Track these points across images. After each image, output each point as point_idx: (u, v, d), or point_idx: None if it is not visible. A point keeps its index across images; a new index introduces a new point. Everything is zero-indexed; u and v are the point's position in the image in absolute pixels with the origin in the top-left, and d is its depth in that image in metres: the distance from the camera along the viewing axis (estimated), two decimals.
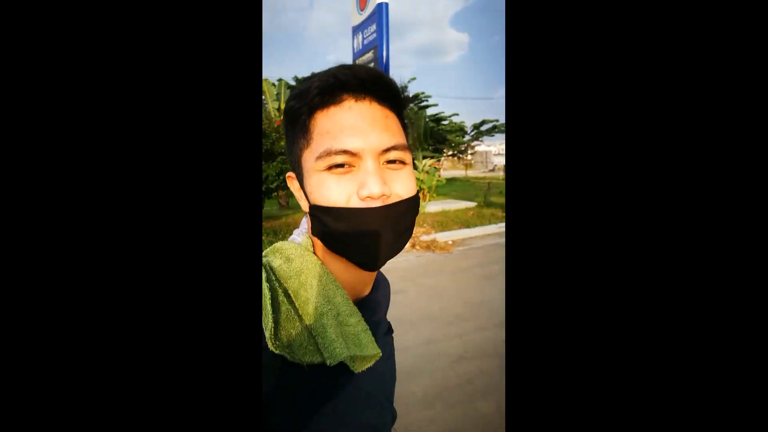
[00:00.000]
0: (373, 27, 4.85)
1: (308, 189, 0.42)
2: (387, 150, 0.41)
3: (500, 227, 7.40)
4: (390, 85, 0.43)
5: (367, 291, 0.50)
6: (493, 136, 23.35)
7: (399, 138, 0.42)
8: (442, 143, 20.53)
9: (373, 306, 0.49)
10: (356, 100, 0.41)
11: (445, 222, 7.46)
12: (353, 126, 0.40)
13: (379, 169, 0.40)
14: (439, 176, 7.66)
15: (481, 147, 27.95)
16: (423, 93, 18.73)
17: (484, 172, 28.87)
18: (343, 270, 0.45)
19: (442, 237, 6.35)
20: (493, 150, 32.99)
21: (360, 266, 0.43)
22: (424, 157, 10.23)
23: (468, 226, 7.15)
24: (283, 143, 6.28)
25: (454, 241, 6.23)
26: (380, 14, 4.82)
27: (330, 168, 0.40)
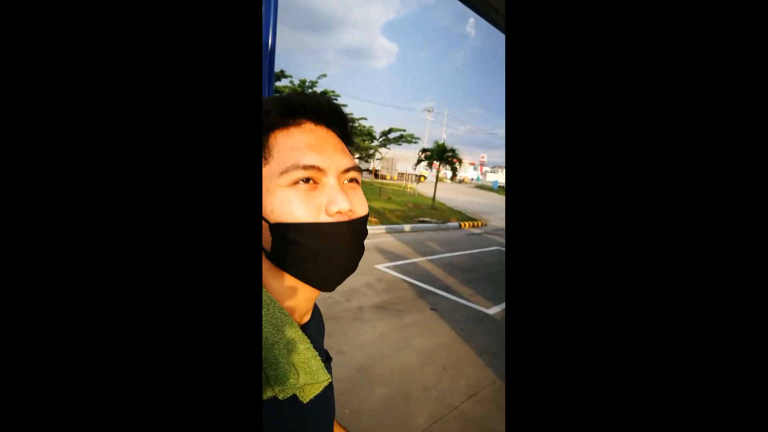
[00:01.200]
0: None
1: (269, 207, 0.41)
2: (347, 170, 0.44)
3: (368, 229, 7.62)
4: (343, 116, 0.47)
5: (308, 318, 0.49)
6: (400, 144, 23.96)
7: (353, 160, 0.46)
8: (349, 144, 20.28)
9: (314, 332, 0.50)
10: (315, 125, 0.44)
11: None
12: (318, 145, 0.42)
13: (343, 186, 0.43)
14: None
15: (398, 152, 28.47)
16: (333, 92, 18.25)
17: (392, 177, 29.55)
18: (291, 295, 0.45)
19: None
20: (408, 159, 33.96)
21: (320, 285, 0.43)
22: None
23: None
24: None
25: None
26: (267, 3, 4.28)
27: (295, 183, 0.41)
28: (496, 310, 4.37)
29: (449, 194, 21.73)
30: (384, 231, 8.41)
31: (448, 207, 13.88)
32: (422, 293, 4.59)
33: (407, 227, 9.01)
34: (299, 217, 0.40)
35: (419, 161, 13.39)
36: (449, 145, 12.62)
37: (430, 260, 6.31)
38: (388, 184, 23.14)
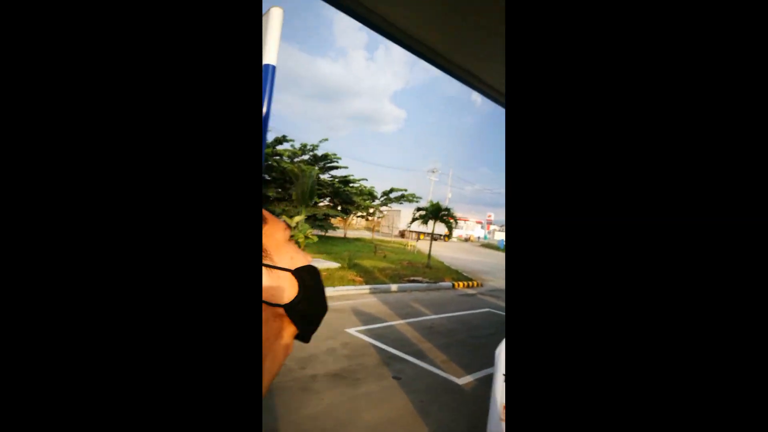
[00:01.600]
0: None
1: (287, 256, 0.41)
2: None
3: (349, 290, 7.82)
4: None
5: None
6: (401, 203, 24.20)
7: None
8: (349, 204, 20.54)
9: None
10: None
11: None
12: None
13: None
14: (311, 234, 7.70)
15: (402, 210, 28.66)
16: (334, 154, 18.89)
17: (395, 235, 29.51)
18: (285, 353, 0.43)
19: None
20: (406, 216, 34.24)
21: (306, 334, 0.42)
22: (311, 216, 10.40)
23: None
24: None
25: None
26: (265, 75, 4.56)
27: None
28: (467, 379, 3.99)
29: (452, 253, 21.42)
30: (368, 291, 8.13)
31: (445, 266, 13.57)
32: (389, 360, 4.25)
33: (394, 287, 8.71)
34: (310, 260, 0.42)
35: (413, 219, 13.36)
36: (454, 204, 12.68)
37: (408, 323, 5.97)
38: (389, 242, 23.01)
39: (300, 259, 0.41)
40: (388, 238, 26.97)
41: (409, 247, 20.13)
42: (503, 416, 2.25)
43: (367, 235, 25.33)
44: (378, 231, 29.40)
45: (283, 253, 0.40)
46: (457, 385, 3.79)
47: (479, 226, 44.96)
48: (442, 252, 20.14)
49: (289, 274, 0.39)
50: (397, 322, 5.87)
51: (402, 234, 30.71)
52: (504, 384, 2.34)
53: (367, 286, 8.28)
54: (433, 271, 11.68)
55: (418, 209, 13.20)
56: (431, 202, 12.82)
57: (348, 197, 19.99)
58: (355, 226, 32.04)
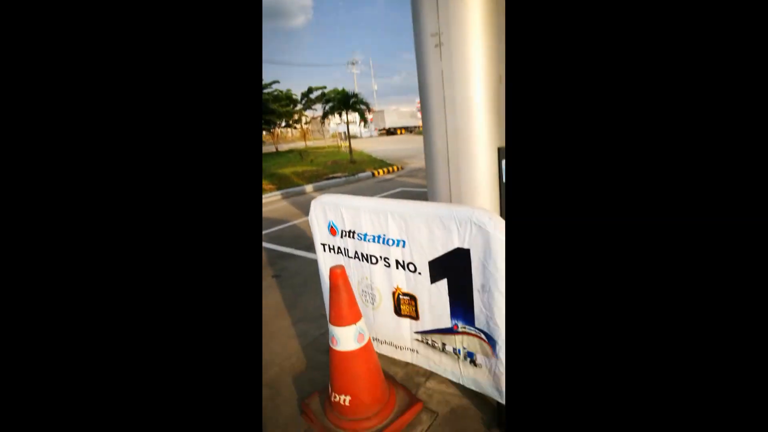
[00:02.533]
0: None
1: None
2: None
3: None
4: None
5: None
6: (325, 103, 22.49)
7: None
8: (268, 113, 18.72)
9: None
10: None
11: None
12: None
13: None
14: None
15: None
16: None
17: (329, 140, 28.19)
18: None
19: None
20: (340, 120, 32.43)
21: None
22: None
23: None
24: None
25: None
26: None
27: None
28: None
29: (382, 145, 20.90)
30: (279, 197, 7.62)
31: (371, 158, 13.14)
32: (276, 259, 3.94)
33: (309, 187, 8.24)
34: None
35: (324, 114, 12.38)
36: (383, 97, 11.72)
37: None
38: (323, 148, 21.93)
39: None
40: (323, 144, 25.76)
41: (343, 149, 19.30)
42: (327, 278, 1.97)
43: (301, 145, 23.91)
44: (311, 139, 27.86)
45: None
46: None
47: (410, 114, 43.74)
48: (372, 146, 19.59)
49: None
50: (300, 221, 5.52)
51: (345, 136, 29.41)
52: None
53: (279, 192, 7.74)
54: (356, 165, 11.25)
55: (326, 101, 12.12)
56: (336, 89, 11.71)
57: (264, 106, 18.12)
58: (289, 139, 30.17)
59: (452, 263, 1.48)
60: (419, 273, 1.61)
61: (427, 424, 1.66)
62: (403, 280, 1.69)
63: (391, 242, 1.65)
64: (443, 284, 1.56)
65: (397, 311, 1.78)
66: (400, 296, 1.73)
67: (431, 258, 1.54)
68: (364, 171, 10.08)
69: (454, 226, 1.43)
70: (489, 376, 1.53)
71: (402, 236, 1.61)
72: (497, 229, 1.32)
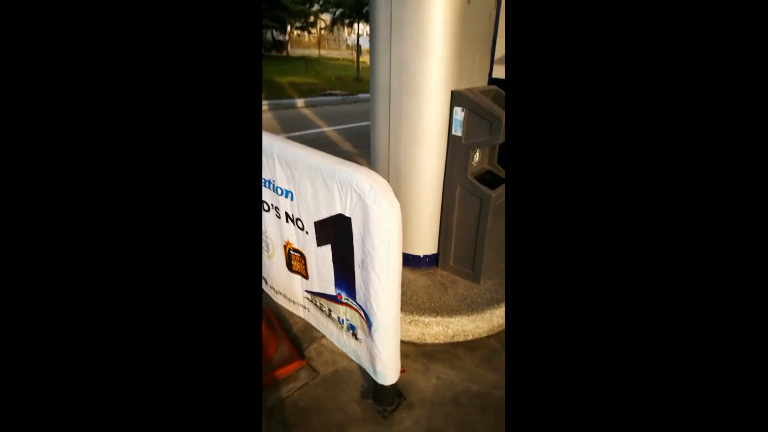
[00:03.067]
0: None
1: None
2: None
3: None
4: None
5: None
6: (335, 7, 20.37)
7: None
8: (279, 10, 17.06)
9: None
10: None
11: None
12: None
13: None
14: None
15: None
16: None
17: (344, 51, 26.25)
18: None
19: None
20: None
21: None
22: None
23: None
24: None
25: None
26: None
27: None
28: None
29: None
30: (265, 108, 7.15)
31: None
32: None
33: (300, 102, 7.71)
34: None
35: (333, 21, 11.24)
36: None
37: (289, 136, 5.29)
38: (336, 59, 20.44)
39: None
40: (338, 55, 24.03)
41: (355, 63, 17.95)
42: None
43: (315, 53, 22.26)
44: (327, 49, 25.93)
45: None
46: None
47: None
48: None
49: None
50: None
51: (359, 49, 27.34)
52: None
53: (266, 102, 7.26)
54: (361, 84, 10.47)
55: (336, 5, 10.91)
56: None
57: (275, 1, 16.43)
58: (305, 44, 28.14)
59: (335, 229, 1.25)
60: (306, 232, 1.39)
61: (303, 383, 1.57)
62: (293, 235, 1.47)
63: (279, 191, 1.40)
64: (328, 250, 1.34)
65: (289, 266, 1.59)
66: (291, 251, 1.53)
67: (316, 219, 1.31)
68: (365, 92, 9.40)
69: (335, 188, 1.16)
70: (367, 353, 1.39)
71: (290, 187, 1.35)
72: (376, 201, 1.06)
